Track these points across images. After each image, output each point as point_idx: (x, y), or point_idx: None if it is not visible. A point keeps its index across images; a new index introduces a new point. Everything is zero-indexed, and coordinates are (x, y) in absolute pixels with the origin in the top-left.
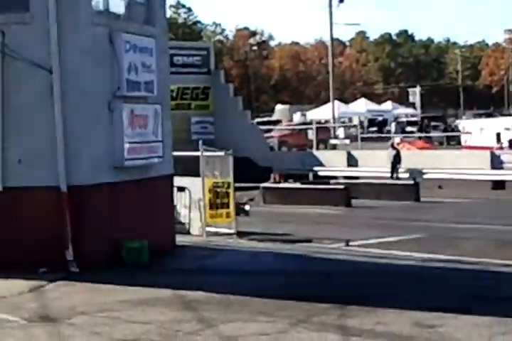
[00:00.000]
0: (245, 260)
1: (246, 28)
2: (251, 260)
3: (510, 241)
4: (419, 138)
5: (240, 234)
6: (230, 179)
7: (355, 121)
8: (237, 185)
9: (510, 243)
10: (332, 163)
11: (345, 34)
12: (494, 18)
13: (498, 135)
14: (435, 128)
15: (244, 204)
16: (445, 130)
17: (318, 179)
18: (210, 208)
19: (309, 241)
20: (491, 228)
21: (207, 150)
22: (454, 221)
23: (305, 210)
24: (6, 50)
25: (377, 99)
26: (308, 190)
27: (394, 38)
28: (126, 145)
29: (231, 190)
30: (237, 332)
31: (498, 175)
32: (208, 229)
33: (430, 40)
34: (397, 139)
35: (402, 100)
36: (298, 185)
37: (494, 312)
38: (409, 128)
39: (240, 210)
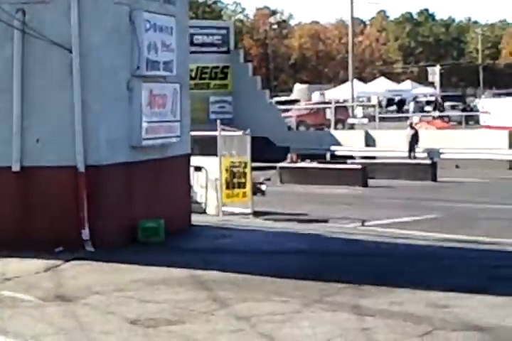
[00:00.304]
0: (261, 240)
1: (266, 7)
2: (266, 240)
3: None
4: (433, 117)
5: (256, 214)
6: (247, 159)
7: (374, 101)
8: (254, 164)
9: None
10: (350, 143)
11: (365, 13)
12: None
13: None
14: (454, 107)
15: (261, 183)
16: (464, 109)
17: (336, 159)
18: (227, 188)
19: (325, 221)
20: (508, 208)
21: (225, 130)
22: (471, 201)
23: (322, 190)
24: (26, 29)
25: (397, 78)
26: (325, 169)
27: (415, 17)
28: (145, 125)
29: (248, 170)
30: (251, 311)
31: None
32: (224, 208)
33: (451, 19)
34: (415, 119)
35: (422, 79)
36: (315, 164)
37: (509, 292)
38: (427, 108)
39: (256, 190)
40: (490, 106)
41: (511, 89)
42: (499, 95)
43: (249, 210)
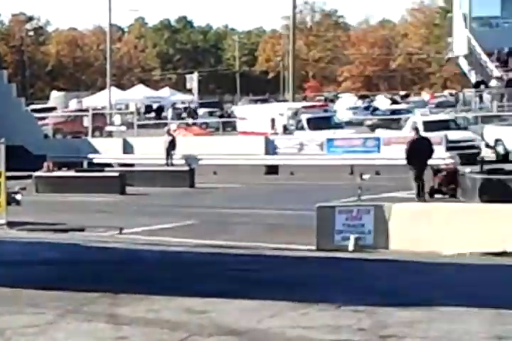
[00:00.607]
0: (15, 251)
1: (22, 13)
2: (21, 250)
3: (281, 225)
4: (187, 124)
5: (11, 225)
6: (2, 168)
7: (132, 108)
8: (9, 174)
9: (281, 227)
10: (108, 151)
11: (124, 20)
12: (271, 4)
13: (273, 120)
14: (211, 114)
15: (16, 193)
16: (221, 116)
17: (94, 167)
18: None
19: (82, 229)
20: (264, 212)
21: None
22: (228, 206)
23: (79, 199)
24: None
25: (155, 85)
26: (83, 178)
27: (173, 24)
28: None
29: (2, 180)
30: (5, 325)
31: (271, 160)
32: None
33: (209, 27)
34: (173, 126)
35: (180, 86)
36: (72, 173)
37: (263, 296)
38: (184, 115)
39: (11, 200)
40: (246, 112)
41: (267, 95)
42: (255, 101)
43: (3, 221)
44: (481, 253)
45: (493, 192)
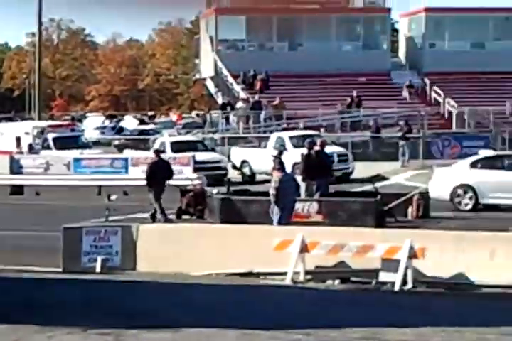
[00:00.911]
0: None
1: None
2: None
3: (26, 246)
4: None
5: None
6: None
7: None
8: None
9: (26, 248)
10: None
11: None
12: (16, 21)
13: (19, 139)
14: None
15: None
16: None
17: None
18: None
19: None
20: (7, 234)
21: None
22: None
23: None
24: None
25: None
26: None
27: None
28: None
29: None
30: None
31: (16, 180)
32: None
33: None
34: None
35: None
36: None
37: (10, 319)
38: None
39: None
40: None
41: (12, 113)
42: (0, 120)
43: None
44: (227, 274)
45: (235, 212)
